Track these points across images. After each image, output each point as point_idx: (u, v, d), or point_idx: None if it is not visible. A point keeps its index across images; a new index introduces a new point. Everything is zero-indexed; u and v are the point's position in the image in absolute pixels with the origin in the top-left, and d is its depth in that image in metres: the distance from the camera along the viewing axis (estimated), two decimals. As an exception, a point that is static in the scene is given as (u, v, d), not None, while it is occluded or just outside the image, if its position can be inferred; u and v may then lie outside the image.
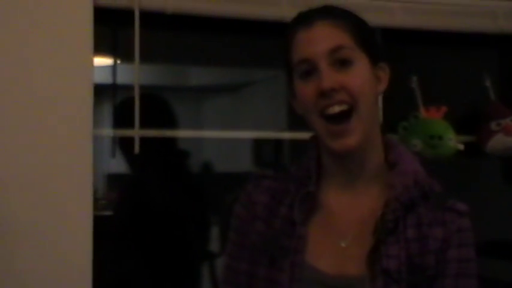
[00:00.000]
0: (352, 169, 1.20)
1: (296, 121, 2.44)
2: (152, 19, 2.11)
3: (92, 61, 1.95)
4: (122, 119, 2.21)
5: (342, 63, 1.13)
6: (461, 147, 2.33)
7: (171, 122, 2.35)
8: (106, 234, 2.05)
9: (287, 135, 2.49)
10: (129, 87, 2.13)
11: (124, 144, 2.20)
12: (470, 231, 1.17)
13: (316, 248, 1.17)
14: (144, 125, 2.07)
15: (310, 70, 1.14)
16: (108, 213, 2.30)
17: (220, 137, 2.46)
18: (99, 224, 1.95)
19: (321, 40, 1.13)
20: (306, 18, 1.16)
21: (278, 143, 2.55)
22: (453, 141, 2.32)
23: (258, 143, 2.51)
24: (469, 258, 1.15)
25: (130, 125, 2.06)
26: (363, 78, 1.14)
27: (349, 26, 1.15)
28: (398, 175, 1.17)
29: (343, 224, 1.19)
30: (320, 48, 1.12)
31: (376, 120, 1.22)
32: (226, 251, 1.27)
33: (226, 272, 1.26)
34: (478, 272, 1.16)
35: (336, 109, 1.13)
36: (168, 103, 2.37)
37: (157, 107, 2.33)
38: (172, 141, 2.36)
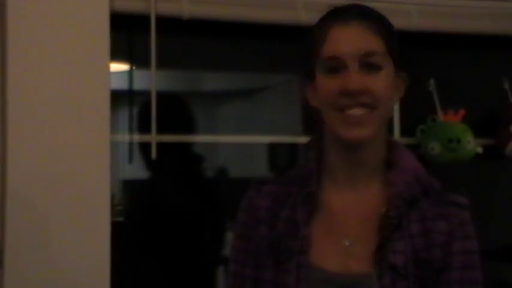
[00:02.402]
0: (355, 165, 1.21)
1: (311, 126, 2.46)
2: (167, 24, 2.12)
3: (108, 67, 1.96)
4: (142, 123, 2.21)
5: (371, 67, 1.14)
6: (479, 150, 2.31)
7: (189, 125, 2.35)
8: (122, 240, 2.05)
9: (302, 139, 2.48)
10: (145, 93, 2.13)
11: (144, 149, 2.20)
12: (472, 224, 1.18)
13: (321, 247, 1.18)
14: (162, 128, 2.08)
15: (338, 67, 1.15)
16: (123, 219, 2.31)
17: (235, 141, 2.45)
18: (115, 229, 1.95)
19: (355, 41, 1.14)
20: (342, 16, 1.16)
21: (293, 147, 2.54)
22: (472, 145, 2.30)
23: (273, 148, 2.51)
24: (472, 250, 1.17)
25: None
26: (387, 84, 1.16)
27: (383, 32, 1.16)
28: (399, 172, 1.19)
29: (345, 222, 1.20)
30: (354, 50, 1.13)
31: (386, 123, 1.24)
32: (231, 257, 1.27)
33: (233, 279, 1.26)
34: (481, 264, 1.18)
35: (358, 112, 1.14)
36: (187, 106, 2.38)
37: (175, 110, 2.33)
38: (188, 146, 2.36)
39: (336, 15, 1.17)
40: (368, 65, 1.14)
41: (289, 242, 1.18)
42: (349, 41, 1.14)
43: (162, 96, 2.14)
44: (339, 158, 1.21)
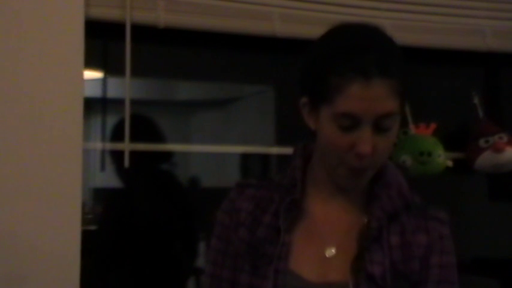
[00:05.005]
0: None
1: (283, 136, 2.46)
2: (142, 33, 2.11)
3: (82, 74, 1.94)
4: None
5: (383, 128, 1.12)
6: (450, 163, 2.34)
7: (159, 139, 2.35)
8: (92, 248, 2.03)
9: (274, 150, 2.49)
10: (118, 101, 2.12)
11: (116, 158, 2.19)
12: (451, 239, 1.21)
13: (300, 255, 1.18)
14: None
15: (351, 124, 1.11)
16: (94, 227, 2.28)
17: (208, 151, 2.45)
18: (85, 238, 1.93)
19: (375, 103, 1.09)
20: (363, 69, 1.08)
21: (266, 157, 2.55)
22: (442, 158, 2.33)
23: (245, 158, 2.51)
24: (450, 265, 1.19)
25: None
26: (394, 140, 1.16)
27: (401, 87, 1.11)
28: (384, 186, 1.21)
29: (327, 232, 1.21)
30: (372, 112, 1.09)
31: None
32: (208, 258, 1.27)
33: (210, 280, 1.26)
34: (458, 279, 1.19)
35: (360, 169, 1.15)
36: (156, 122, 2.37)
37: (145, 126, 2.32)
38: (161, 155, 2.35)
39: (355, 66, 1.08)
40: (380, 125, 1.11)
41: (269, 248, 1.18)
42: (369, 102, 1.08)
43: (135, 105, 2.13)
44: (327, 173, 1.21)
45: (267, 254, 1.17)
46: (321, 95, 1.13)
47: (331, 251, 1.18)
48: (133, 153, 2.08)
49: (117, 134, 2.15)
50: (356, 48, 1.11)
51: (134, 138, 2.09)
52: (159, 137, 2.35)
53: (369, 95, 1.08)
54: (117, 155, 2.12)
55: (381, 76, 1.08)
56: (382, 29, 1.18)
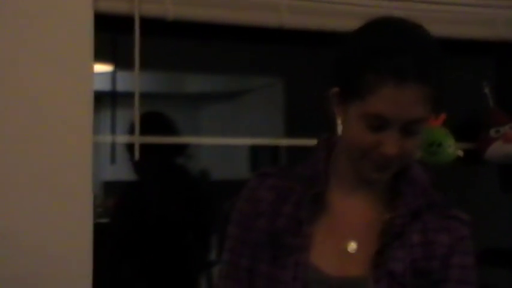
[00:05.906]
0: None
1: (293, 128, 2.46)
2: (150, 26, 2.11)
3: (92, 67, 1.95)
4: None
5: (411, 131, 1.10)
6: (460, 154, 2.33)
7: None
8: (102, 241, 2.04)
9: (284, 142, 2.49)
10: (128, 95, 2.12)
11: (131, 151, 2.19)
12: (471, 240, 1.20)
13: (320, 248, 1.18)
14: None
15: (379, 124, 1.10)
16: (104, 220, 2.30)
17: (217, 143, 2.46)
18: (95, 231, 1.94)
19: (406, 108, 1.07)
20: (399, 71, 1.06)
21: (275, 149, 2.55)
22: (452, 148, 2.32)
23: (254, 150, 2.51)
24: (470, 266, 1.19)
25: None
26: (419, 144, 1.14)
27: (436, 93, 1.09)
28: (409, 183, 1.20)
29: (348, 226, 1.20)
30: (401, 116, 1.08)
31: None
32: (226, 246, 1.26)
33: (227, 267, 1.25)
34: (477, 280, 1.20)
35: (384, 175, 1.15)
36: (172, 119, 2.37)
37: (162, 123, 2.33)
38: (171, 148, 2.35)
39: (393, 64, 1.07)
40: (409, 129, 1.10)
41: (290, 239, 1.17)
42: (400, 105, 1.07)
43: (144, 98, 2.14)
44: (350, 165, 1.20)
45: (287, 245, 1.17)
46: (353, 90, 1.11)
47: (352, 246, 1.18)
48: (148, 147, 2.09)
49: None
50: (396, 48, 1.08)
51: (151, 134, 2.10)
52: (174, 134, 2.36)
53: (401, 99, 1.07)
54: (132, 149, 2.12)
55: (416, 80, 1.06)
56: (426, 30, 1.16)
